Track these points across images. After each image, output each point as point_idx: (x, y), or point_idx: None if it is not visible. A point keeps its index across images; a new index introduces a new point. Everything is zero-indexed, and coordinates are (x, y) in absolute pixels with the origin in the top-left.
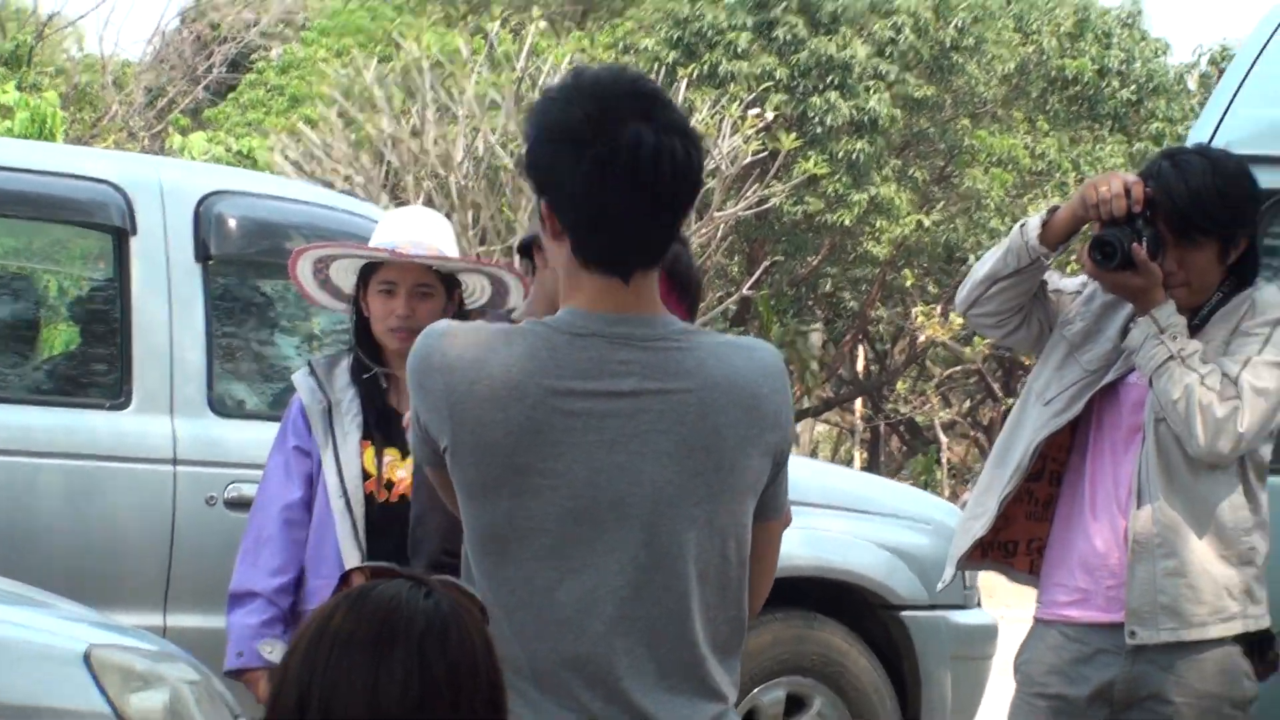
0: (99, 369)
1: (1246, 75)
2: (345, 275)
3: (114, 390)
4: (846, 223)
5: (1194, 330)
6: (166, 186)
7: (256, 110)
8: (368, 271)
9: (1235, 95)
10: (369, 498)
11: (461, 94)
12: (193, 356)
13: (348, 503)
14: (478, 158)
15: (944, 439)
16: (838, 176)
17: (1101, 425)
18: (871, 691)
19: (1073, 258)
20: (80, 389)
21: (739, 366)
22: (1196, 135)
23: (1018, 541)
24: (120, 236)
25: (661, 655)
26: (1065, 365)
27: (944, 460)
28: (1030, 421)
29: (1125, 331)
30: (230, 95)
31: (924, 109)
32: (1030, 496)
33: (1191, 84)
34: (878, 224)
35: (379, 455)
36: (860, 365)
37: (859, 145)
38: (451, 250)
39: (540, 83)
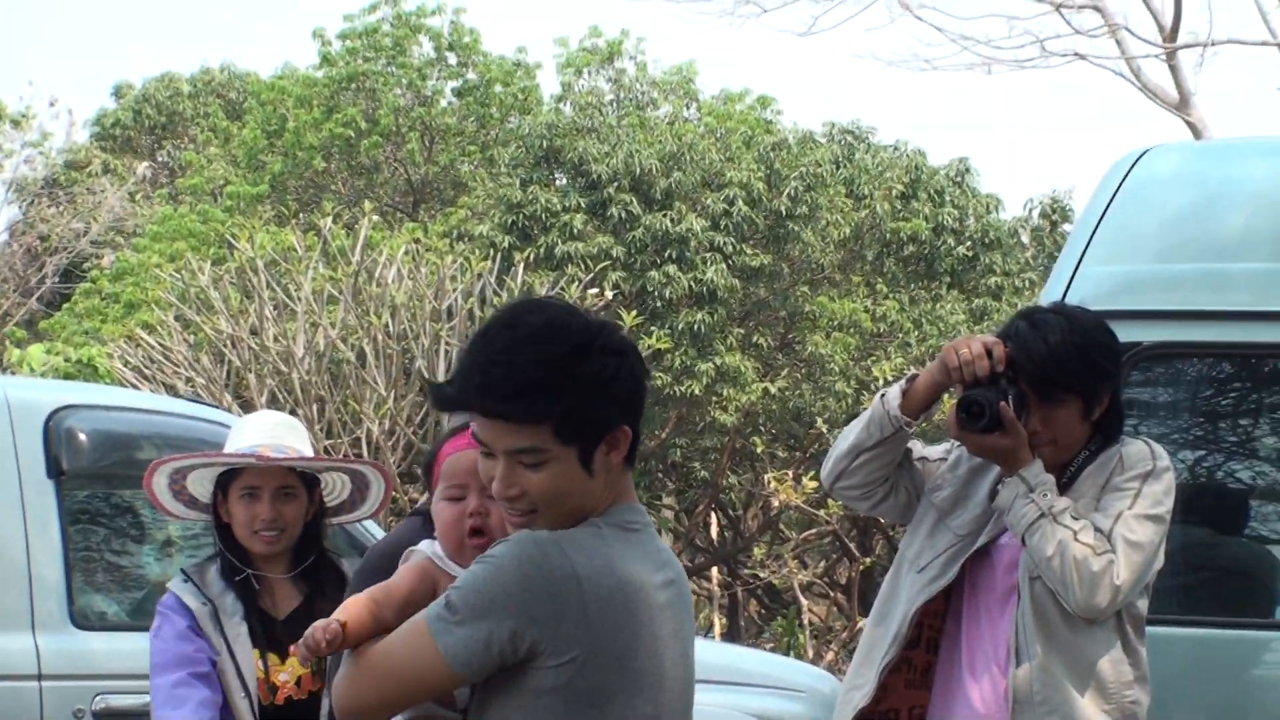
0: None
1: (1094, 232)
2: (202, 484)
3: None
4: (695, 392)
5: (1063, 488)
6: (14, 403)
7: (93, 319)
8: (226, 478)
9: (1084, 252)
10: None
11: (298, 290)
12: (50, 572)
13: (251, 703)
14: (319, 353)
15: (803, 600)
16: (682, 349)
17: (976, 588)
18: None
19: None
20: None
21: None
22: (1049, 294)
23: (899, 710)
24: None
25: None
26: (936, 532)
27: (805, 621)
28: (904, 590)
29: (994, 494)
30: (65, 305)
31: (762, 277)
32: (909, 665)
33: (1025, 237)
34: (725, 393)
35: (263, 659)
36: (714, 532)
37: (700, 316)
38: (307, 449)
39: (377, 275)
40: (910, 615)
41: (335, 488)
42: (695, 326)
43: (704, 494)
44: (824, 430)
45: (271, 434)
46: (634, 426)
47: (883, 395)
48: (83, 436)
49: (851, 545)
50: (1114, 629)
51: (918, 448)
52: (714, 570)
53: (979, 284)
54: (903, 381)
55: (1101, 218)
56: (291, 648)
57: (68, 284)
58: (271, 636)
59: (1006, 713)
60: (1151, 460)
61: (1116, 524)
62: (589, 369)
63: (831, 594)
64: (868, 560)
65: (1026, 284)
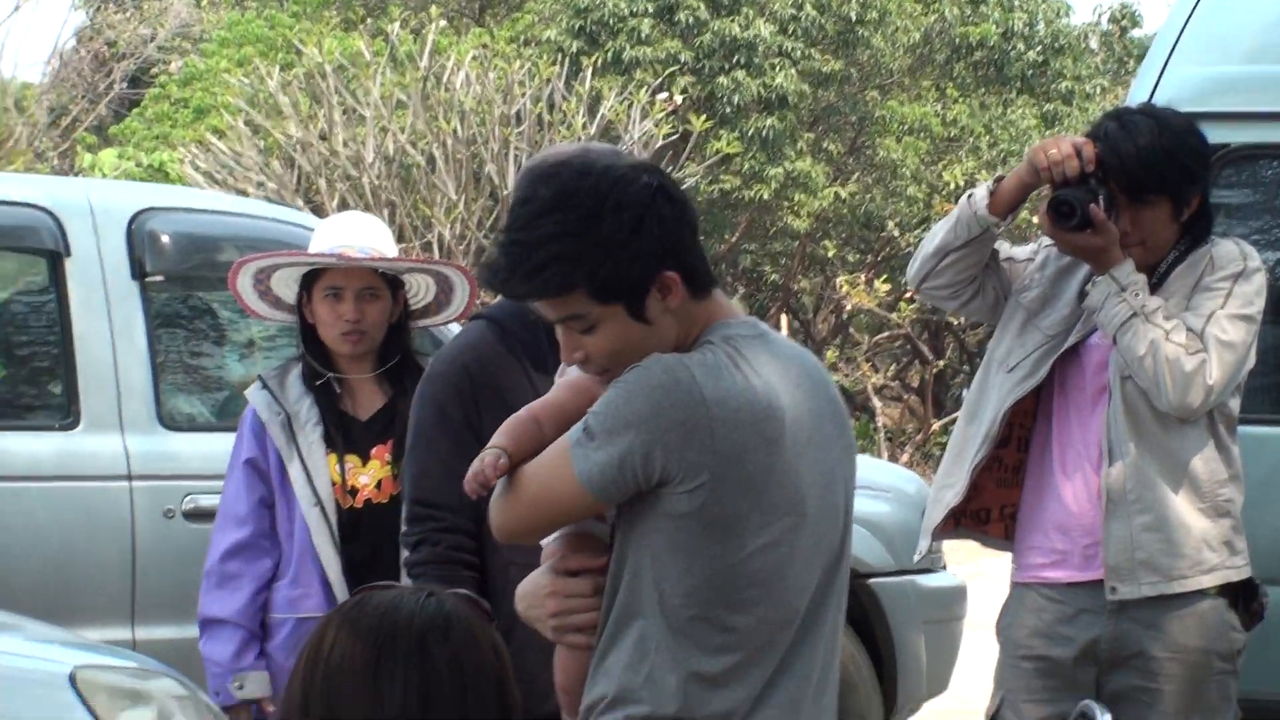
0: (45, 391)
1: (1182, 31)
2: (287, 285)
3: (62, 411)
4: (765, 197)
5: (1153, 289)
6: (97, 207)
7: (163, 124)
8: (311, 279)
9: (1172, 52)
10: (336, 505)
11: (367, 96)
12: (137, 373)
13: (323, 511)
14: (388, 157)
15: (877, 404)
16: (751, 154)
17: (1066, 389)
18: (846, 659)
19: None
20: (27, 411)
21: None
22: (1135, 95)
23: (990, 509)
24: (55, 259)
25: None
26: (1025, 332)
27: (879, 425)
28: (995, 389)
29: (1082, 295)
30: (134, 110)
31: (832, 83)
32: (999, 463)
33: (1094, 43)
34: (795, 197)
35: (341, 462)
36: (784, 336)
37: (769, 122)
38: (391, 251)
39: (445, 80)
40: (1001, 414)
41: (420, 290)
42: (764, 132)
43: (774, 298)
44: (895, 234)
45: (355, 235)
46: (680, 266)
47: (969, 196)
48: (166, 239)
49: (924, 348)
50: (1206, 428)
51: (1005, 248)
52: None
53: (1049, 89)
54: (990, 182)
55: (1190, 17)
56: (374, 449)
57: (136, 90)
58: (351, 438)
59: (1099, 511)
60: (1242, 260)
61: (1208, 324)
62: (604, 231)
63: (904, 397)
64: (940, 363)
65: (1097, 90)
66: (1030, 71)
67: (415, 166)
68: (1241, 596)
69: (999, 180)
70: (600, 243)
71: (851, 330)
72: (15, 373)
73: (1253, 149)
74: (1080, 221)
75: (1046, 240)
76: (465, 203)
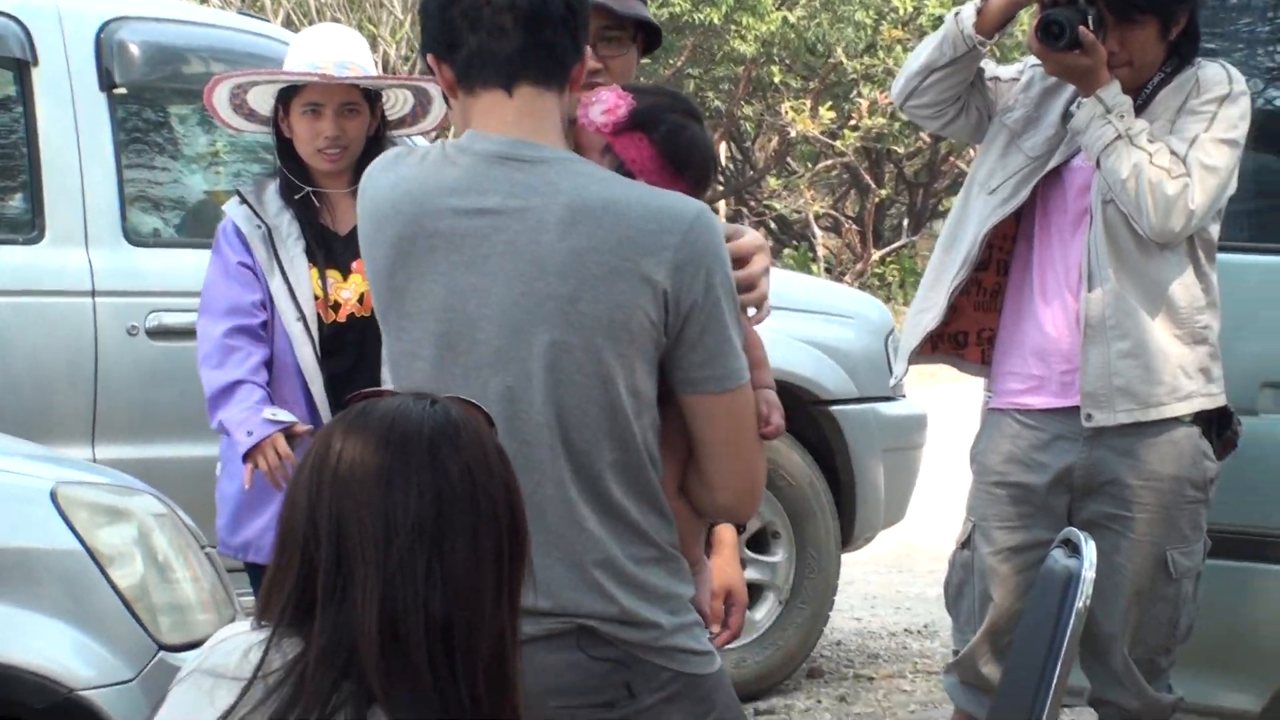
0: (9, 204)
1: None
2: (263, 99)
3: (26, 225)
4: (714, 21)
5: (1138, 110)
6: (66, 14)
7: None
8: (288, 94)
9: None
10: (318, 320)
11: None
12: (103, 187)
13: (306, 324)
14: None
15: (817, 232)
16: None
17: (1047, 211)
18: (805, 485)
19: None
20: None
21: (624, 196)
22: None
23: (968, 332)
24: (21, 69)
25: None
26: (1008, 153)
27: (819, 254)
28: (975, 212)
29: (1066, 116)
30: None
31: None
32: (978, 287)
33: None
34: (743, 21)
35: (322, 277)
36: (723, 162)
37: None
38: (369, 64)
39: None
40: (981, 237)
41: (398, 103)
42: None
43: (718, 124)
44: (842, 60)
45: (334, 50)
46: (438, 53)
47: (956, 13)
48: (135, 49)
49: (866, 176)
50: (1186, 254)
51: (990, 67)
52: (722, 202)
53: None
54: (977, 0)
55: None
56: (354, 264)
57: None
58: (332, 253)
59: (1078, 337)
60: (1228, 83)
61: (1192, 147)
62: None
63: (845, 225)
64: (881, 192)
65: None
66: None
67: None
68: (1216, 424)
69: None
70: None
71: (789, 160)
72: None
73: None
74: (1069, 41)
75: (1032, 60)
76: (411, 22)
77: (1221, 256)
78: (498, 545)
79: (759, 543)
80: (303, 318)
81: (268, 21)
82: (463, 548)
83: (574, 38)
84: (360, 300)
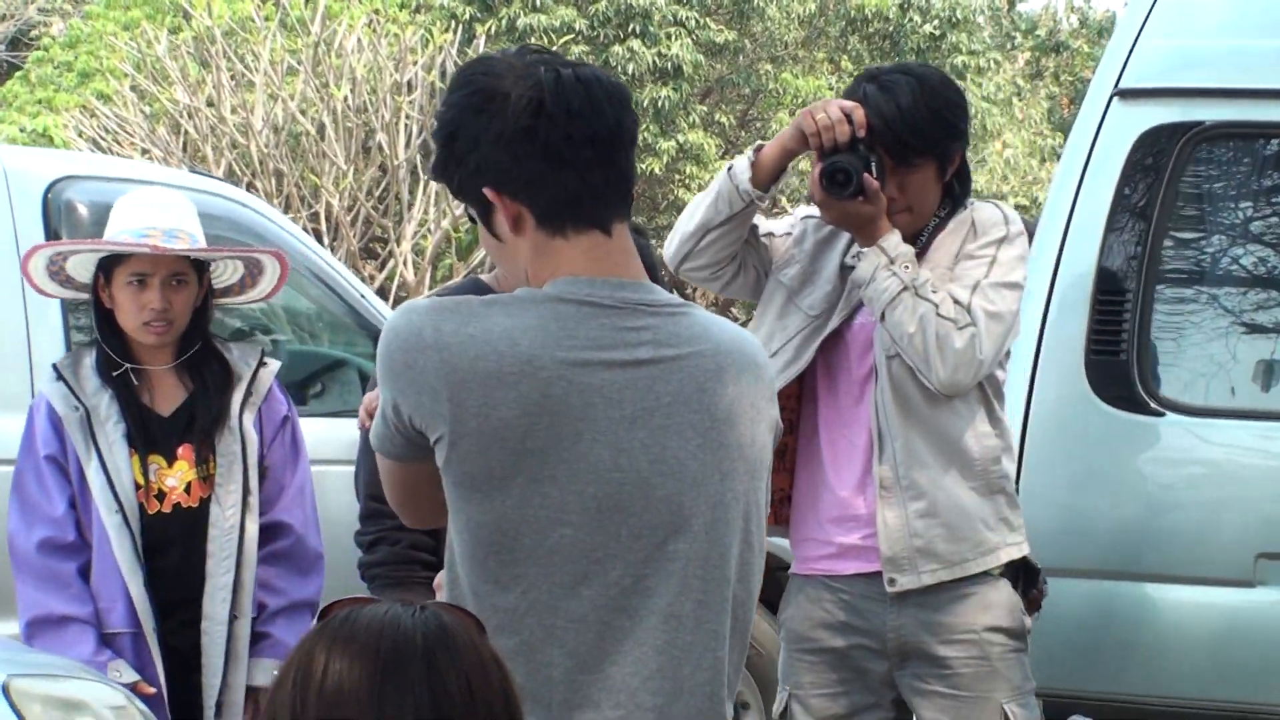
0: None
1: (1152, 8)
2: (83, 267)
3: None
4: (656, 170)
5: (918, 257)
6: (11, 173)
7: (46, 88)
8: (110, 262)
9: (1144, 24)
10: (140, 510)
11: (257, 61)
12: (50, 353)
13: (124, 518)
14: (277, 125)
15: None
16: (644, 125)
17: (831, 372)
18: (775, 654)
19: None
20: None
21: (738, 334)
22: (1104, 70)
23: None
24: None
25: (685, 671)
26: (786, 313)
27: None
28: None
29: (842, 269)
30: (16, 74)
31: (726, 54)
32: None
33: (981, 19)
34: (687, 170)
35: (144, 463)
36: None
37: (664, 92)
38: (199, 232)
39: (336, 45)
40: None
41: (225, 271)
42: (659, 103)
43: (657, 276)
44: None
45: (161, 215)
46: (504, 188)
47: (730, 168)
48: (84, 209)
49: None
50: (978, 400)
51: (763, 223)
52: None
53: (944, 63)
54: (749, 152)
55: None
56: (179, 449)
57: (15, 52)
58: (152, 437)
59: (873, 498)
60: (1005, 224)
61: (974, 294)
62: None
63: None
64: None
65: (990, 63)
66: (925, 45)
67: (305, 134)
68: (1022, 577)
69: (758, 150)
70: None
71: (732, 308)
72: None
73: (1227, 127)
74: (855, 189)
75: (803, 212)
76: (354, 172)
77: (1213, 422)
78: None
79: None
80: (121, 509)
81: (212, 176)
82: None
83: (634, 154)
84: (187, 490)
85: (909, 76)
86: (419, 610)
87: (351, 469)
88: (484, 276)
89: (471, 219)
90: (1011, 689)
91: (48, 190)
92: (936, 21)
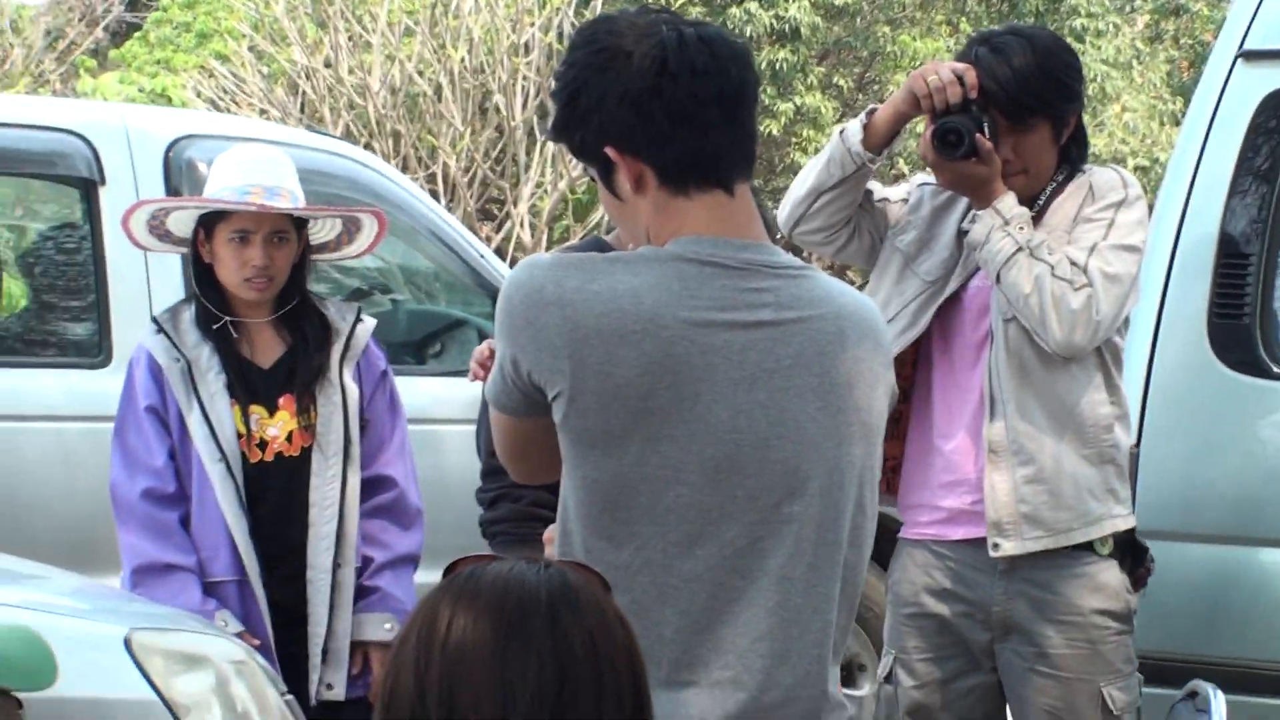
0: (76, 327)
1: None
2: (184, 223)
3: (93, 348)
4: (774, 132)
5: (1035, 221)
6: (134, 133)
7: (164, 48)
8: (212, 219)
9: None
10: (243, 459)
11: (374, 22)
12: None
13: (228, 466)
14: (394, 86)
15: None
16: (762, 87)
17: (947, 336)
18: None
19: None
20: (57, 349)
21: (859, 298)
22: (1228, 31)
23: None
24: (89, 188)
25: (794, 634)
26: (903, 279)
27: None
28: None
29: (960, 235)
30: (135, 34)
31: (843, 16)
32: None
33: None
34: (804, 133)
35: (245, 413)
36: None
37: (781, 54)
38: (298, 189)
39: (453, 7)
40: None
41: (324, 228)
42: (775, 65)
43: (775, 237)
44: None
45: (265, 174)
46: (626, 146)
47: (842, 131)
48: (204, 167)
49: None
50: (1095, 366)
51: (878, 189)
52: None
53: (1063, 26)
54: (862, 116)
55: None
56: (280, 400)
57: (134, 13)
58: (254, 388)
59: (982, 462)
60: (1124, 188)
61: (1091, 256)
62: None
63: None
64: None
65: (1109, 27)
66: (1044, 8)
67: (421, 95)
68: (1129, 555)
69: (871, 113)
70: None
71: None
72: (45, 307)
73: None
74: (967, 150)
75: (919, 179)
76: (471, 134)
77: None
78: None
79: (845, 676)
80: (224, 459)
81: (329, 134)
82: None
83: (756, 114)
84: (289, 439)
85: (1020, 38)
86: (544, 567)
87: (469, 429)
88: (605, 237)
89: (592, 179)
90: (1112, 672)
91: (169, 149)
92: None
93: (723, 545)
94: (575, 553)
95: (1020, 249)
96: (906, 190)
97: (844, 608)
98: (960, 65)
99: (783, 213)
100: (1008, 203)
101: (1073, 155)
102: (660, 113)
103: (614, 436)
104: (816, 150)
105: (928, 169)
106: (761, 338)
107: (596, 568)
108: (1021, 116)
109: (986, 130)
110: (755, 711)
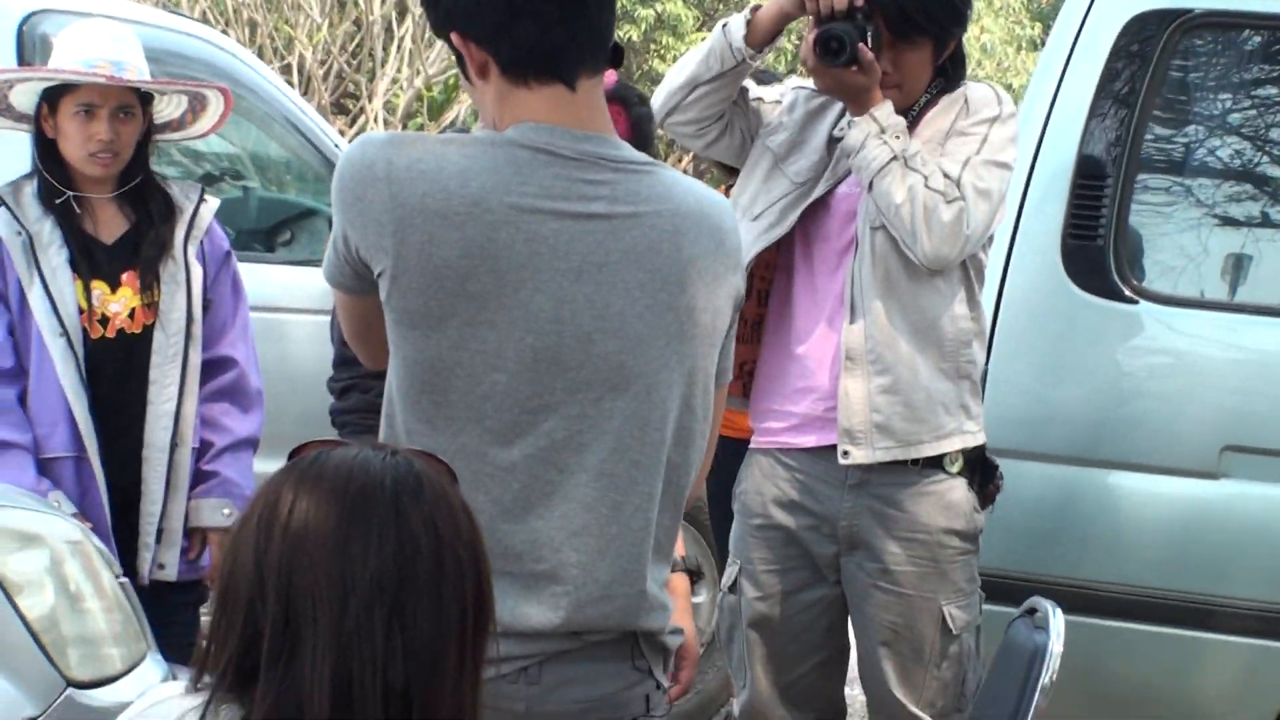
0: None
1: None
2: (27, 96)
3: None
4: (634, 39)
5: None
6: None
7: None
8: (56, 92)
9: None
10: (84, 334)
11: None
12: None
13: (69, 341)
14: None
15: None
16: None
17: (809, 240)
18: None
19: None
20: None
21: (705, 197)
22: None
23: None
24: None
25: (612, 531)
26: (771, 178)
27: None
28: None
29: (830, 141)
30: None
31: None
32: (739, 318)
33: None
34: (664, 41)
35: (87, 288)
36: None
37: None
38: (144, 65)
39: None
40: (746, 265)
41: (169, 106)
42: None
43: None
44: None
45: (110, 48)
46: (468, 34)
47: (724, 25)
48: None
49: None
50: (959, 280)
51: (753, 88)
52: None
53: None
54: (746, 12)
55: None
56: (123, 276)
57: None
58: (97, 263)
59: (838, 369)
60: (998, 104)
61: (965, 170)
62: None
63: None
64: None
65: None
66: None
67: None
68: (979, 474)
69: (755, 10)
70: None
71: (704, 178)
72: None
73: (1216, 16)
74: (849, 58)
75: (795, 82)
76: (329, 26)
77: (1185, 312)
78: (463, 610)
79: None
80: (65, 334)
81: (186, 17)
82: (426, 610)
83: (612, 12)
84: (131, 315)
85: None
86: (390, 454)
87: (317, 319)
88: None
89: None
90: (955, 591)
91: (22, 23)
92: None
93: (539, 437)
94: (398, 435)
95: (895, 158)
96: (781, 91)
97: (668, 507)
98: None
99: (656, 100)
100: (885, 111)
101: (948, 72)
102: (499, 3)
103: (433, 318)
104: (675, 59)
105: (804, 74)
106: (592, 229)
107: None
108: (906, 32)
109: (869, 40)
110: (571, 607)
